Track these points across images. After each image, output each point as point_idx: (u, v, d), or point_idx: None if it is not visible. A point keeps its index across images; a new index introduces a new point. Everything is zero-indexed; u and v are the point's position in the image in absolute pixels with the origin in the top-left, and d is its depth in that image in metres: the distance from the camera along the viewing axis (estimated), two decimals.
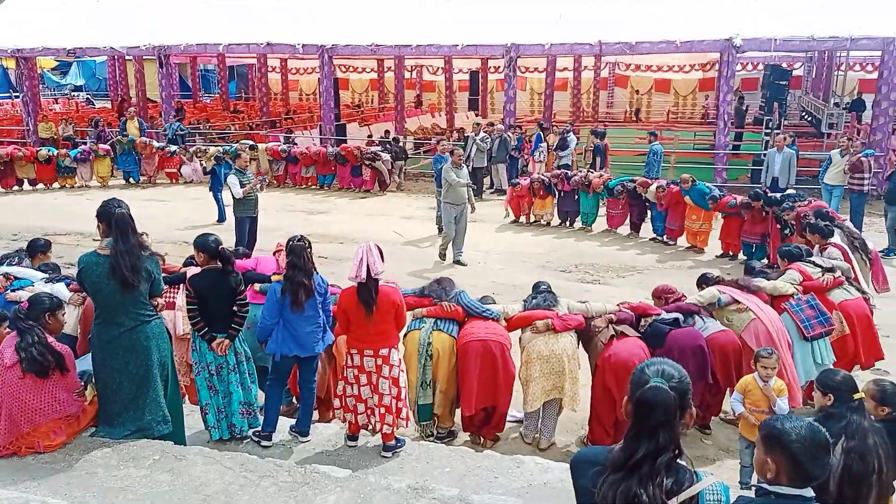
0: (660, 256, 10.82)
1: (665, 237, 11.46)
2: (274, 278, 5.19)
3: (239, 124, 23.40)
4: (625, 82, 30.47)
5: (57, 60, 35.47)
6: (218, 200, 12.87)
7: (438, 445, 4.93)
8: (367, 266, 4.47)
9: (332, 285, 5.10)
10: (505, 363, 5.20)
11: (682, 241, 11.26)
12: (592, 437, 5.35)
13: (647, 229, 11.82)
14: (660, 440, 2.01)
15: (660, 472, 1.98)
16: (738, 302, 5.72)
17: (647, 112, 29.48)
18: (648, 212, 11.75)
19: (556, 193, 12.55)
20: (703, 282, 6.24)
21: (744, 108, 22.19)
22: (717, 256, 10.62)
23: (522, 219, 13.00)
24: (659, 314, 5.52)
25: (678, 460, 2.04)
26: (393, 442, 4.68)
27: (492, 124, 17.00)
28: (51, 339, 4.26)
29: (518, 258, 10.58)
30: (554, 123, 19.91)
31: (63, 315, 4.54)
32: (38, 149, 16.37)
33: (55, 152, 16.28)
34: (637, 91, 30.24)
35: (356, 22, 19.81)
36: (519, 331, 5.52)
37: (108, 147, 16.67)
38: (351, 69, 33.79)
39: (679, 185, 10.99)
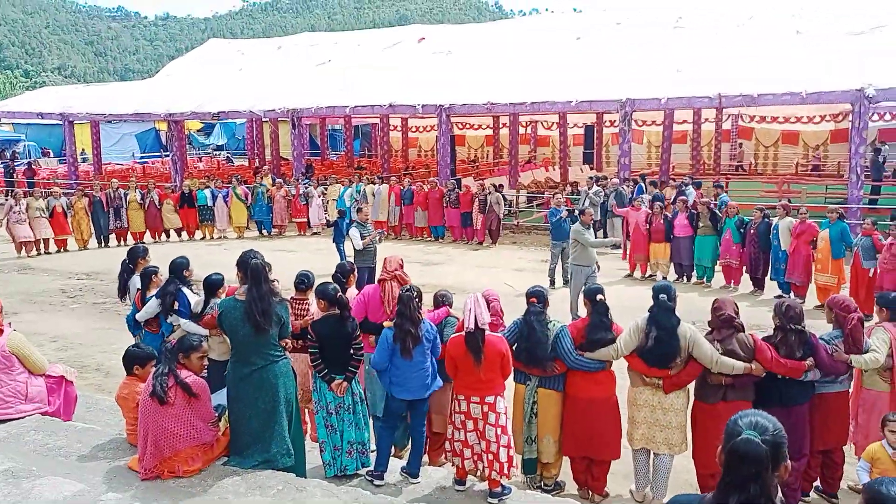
0: None
1: (790, 295, 10.88)
2: (386, 324, 5.51)
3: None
4: (749, 134, 29.52)
5: (202, 123, 39.03)
6: (340, 251, 13.62)
7: (546, 496, 4.97)
8: (475, 316, 4.70)
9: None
10: (611, 415, 5.22)
11: (813, 297, 10.57)
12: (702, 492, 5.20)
13: (770, 288, 11.31)
14: (750, 491, 2.04)
15: None
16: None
17: (773, 165, 28.33)
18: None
19: (672, 238, 12.24)
20: (886, 304, 5.46)
21: (881, 160, 20.86)
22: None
23: (637, 273, 12.84)
24: (799, 377, 4.91)
25: None
26: (500, 489, 4.78)
27: (605, 178, 17.02)
28: (185, 373, 4.71)
29: (629, 313, 10.38)
30: (672, 177, 19.61)
31: (199, 357, 4.93)
32: (182, 192, 17.89)
33: (195, 188, 17.76)
34: (762, 143, 29.18)
35: (472, 82, 20.64)
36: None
37: (247, 189, 18.06)
38: (467, 126, 34.90)
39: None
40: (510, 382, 5.17)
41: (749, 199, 19.67)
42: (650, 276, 12.66)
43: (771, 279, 11.32)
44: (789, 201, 17.47)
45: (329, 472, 4.99)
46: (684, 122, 27.17)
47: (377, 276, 11.06)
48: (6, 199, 16.73)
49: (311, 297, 6.24)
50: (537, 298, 5.29)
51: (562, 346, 5.17)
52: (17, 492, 4.15)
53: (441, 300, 5.81)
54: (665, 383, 5.08)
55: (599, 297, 5.34)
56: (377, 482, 4.94)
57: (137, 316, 6.37)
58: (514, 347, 5.18)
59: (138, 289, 6.61)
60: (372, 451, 5.14)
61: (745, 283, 11.74)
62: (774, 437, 2.11)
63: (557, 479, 5.48)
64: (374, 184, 17.96)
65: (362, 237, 11.01)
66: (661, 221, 12.34)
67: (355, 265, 11.04)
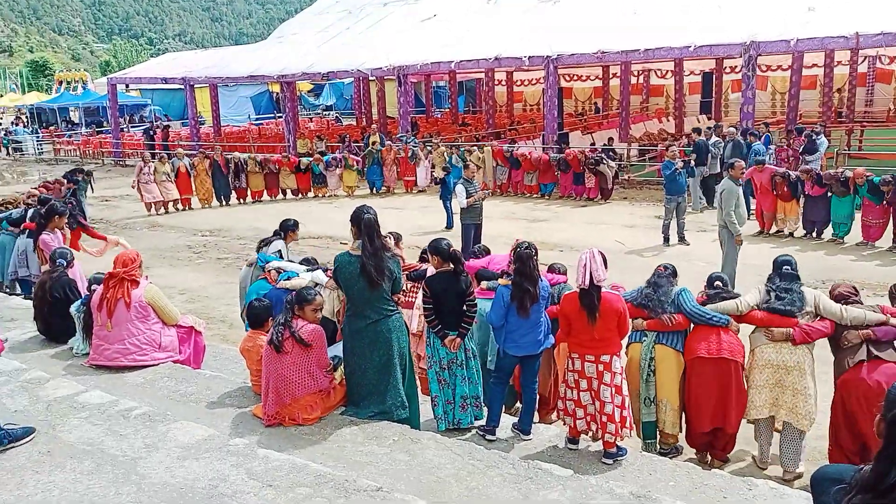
0: None
1: None
2: (501, 282, 5.43)
3: (466, 136, 24.54)
4: (889, 77, 26.91)
5: (312, 84, 40.01)
6: (447, 208, 13.66)
7: (663, 459, 4.80)
8: (591, 273, 4.52)
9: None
10: (738, 383, 4.94)
11: None
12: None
13: None
14: None
15: None
16: None
17: None
18: None
19: (803, 196, 11.44)
20: None
21: None
22: None
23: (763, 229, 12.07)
24: None
25: None
26: (614, 450, 4.65)
27: (718, 125, 16.02)
28: (300, 323, 4.84)
29: (752, 272, 9.81)
30: (799, 125, 18.22)
31: (312, 309, 5.05)
32: (299, 160, 18.59)
33: (310, 161, 18.42)
34: None
35: (581, 30, 19.81)
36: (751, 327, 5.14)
37: (360, 159, 18.43)
38: (574, 77, 33.82)
39: None
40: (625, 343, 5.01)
41: (890, 149, 18.05)
42: (777, 231, 11.88)
43: None
44: None
45: (441, 426, 5.04)
46: (814, 65, 25.09)
47: (482, 235, 11.16)
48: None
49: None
50: (665, 268, 5.38)
51: (683, 298, 5.08)
52: (153, 434, 4.45)
53: (557, 270, 5.88)
54: (796, 332, 4.78)
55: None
56: (489, 437, 4.94)
57: (280, 264, 6.44)
58: (633, 302, 5.10)
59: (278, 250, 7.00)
60: (485, 406, 5.14)
61: (887, 239, 10.79)
62: None
63: (676, 444, 5.29)
64: (480, 149, 17.67)
65: (468, 195, 10.95)
66: (786, 189, 11.48)
67: (461, 223, 11.20)
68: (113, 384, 5.50)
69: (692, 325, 5.15)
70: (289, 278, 6.02)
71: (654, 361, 5.08)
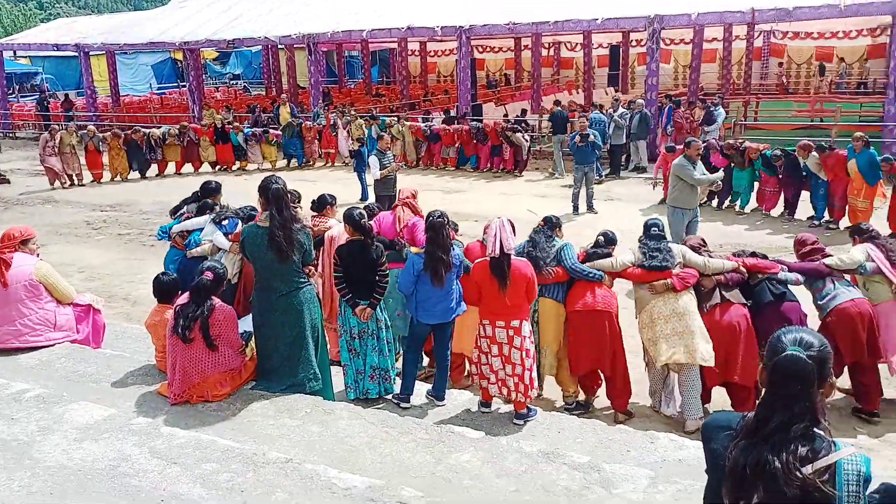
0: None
1: (824, 219, 10.61)
2: (413, 250, 5.43)
3: (380, 107, 24.26)
4: (781, 51, 28.36)
5: (217, 51, 38.36)
6: (362, 180, 13.50)
7: (570, 417, 4.98)
8: (500, 241, 4.59)
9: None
10: (612, 331, 5.28)
11: (845, 222, 10.33)
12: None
13: (802, 210, 11.04)
14: (795, 409, 1.95)
15: (794, 440, 1.94)
16: (882, 273, 5.36)
17: (804, 83, 27.30)
18: (807, 189, 10.85)
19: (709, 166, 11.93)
20: (857, 233, 5.89)
21: None
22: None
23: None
24: (776, 272, 5.29)
25: (816, 429, 1.98)
26: (525, 410, 4.79)
27: (633, 101, 16.50)
28: (216, 301, 4.70)
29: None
30: (701, 97, 18.99)
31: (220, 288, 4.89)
32: (217, 127, 17.58)
33: (223, 122, 17.62)
34: (794, 61, 28.06)
35: (493, 2, 19.86)
36: (631, 286, 5.54)
37: (279, 133, 17.79)
38: (487, 49, 33.91)
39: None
40: None
41: (782, 119, 19.08)
42: None
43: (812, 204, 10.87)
44: (821, 120, 16.97)
45: (350, 395, 5.03)
46: (714, 39, 26.12)
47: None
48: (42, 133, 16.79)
49: (332, 221, 6.25)
50: (545, 222, 5.67)
51: (565, 254, 5.40)
52: (48, 416, 4.22)
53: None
54: (675, 281, 5.17)
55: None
56: (403, 405, 4.97)
57: (178, 226, 6.16)
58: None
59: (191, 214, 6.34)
60: (396, 377, 5.15)
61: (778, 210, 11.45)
62: (820, 353, 2.00)
63: (578, 397, 5.49)
64: (397, 124, 17.42)
65: (382, 167, 10.86)
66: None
67: (376, 194, 11.09)
68: (4, 367, 5.18)
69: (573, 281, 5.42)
70: (198, 244, 5.81)
71: (537, 314, 5.35)
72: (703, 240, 5.72)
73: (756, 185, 11.62)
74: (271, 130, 17.93)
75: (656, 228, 5.57)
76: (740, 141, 11.76)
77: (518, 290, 4.72)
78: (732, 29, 24.41)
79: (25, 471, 3.66)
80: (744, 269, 5.30)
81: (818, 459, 1.91)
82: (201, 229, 5.94)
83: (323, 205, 6.48)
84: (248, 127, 18.14)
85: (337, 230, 5.92)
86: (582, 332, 5.26)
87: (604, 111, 15.56)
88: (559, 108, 16.11)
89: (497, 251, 4.61)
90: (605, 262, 5.43)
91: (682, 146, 9.09)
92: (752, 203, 11.71)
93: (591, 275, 5.35)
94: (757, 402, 2.07)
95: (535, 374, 4.84)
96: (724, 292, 5.26)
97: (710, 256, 5.42)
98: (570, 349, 5.35)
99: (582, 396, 5.55)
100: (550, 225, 5.64)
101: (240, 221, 5.93)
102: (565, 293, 5.40)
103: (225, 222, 5.86)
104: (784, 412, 1.96)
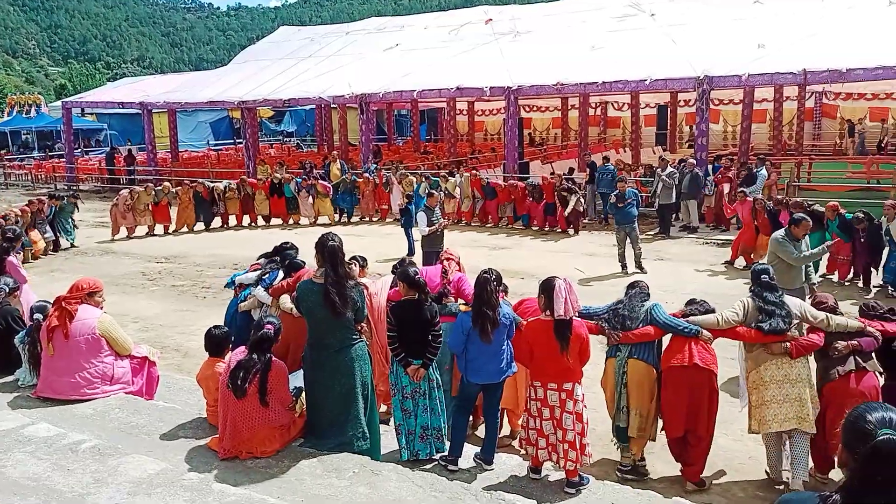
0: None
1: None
2: (462, 308, 5.41)
3: (428, 164, 24.65)
4: (833, 112, 28.02)
5: (273, 110, 39.80)
6: (408, 235, 13.63)
7: (624, 487, 4.79)
8: (570, 304, 4.56)
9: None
10: (711, 390, 5.06)
11: None
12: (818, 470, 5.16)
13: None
14: (892, 495, 1.85)
15: None
16: None
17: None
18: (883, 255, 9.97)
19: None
20: None
21: None
22: None
23: (739, 261, 11.90)
24: None
25: None
26: (577, 479, 4.64)
27: (683, 160, 16.41)
28: (273, 356, 4.73)
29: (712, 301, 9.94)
30: (751, 158, 18.78)
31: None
32: (271, 182, 18.35)
33: (280, 178, 18.33)
34: (848, 121, 27.66)
35: (540, 62, 20.19)
36: (742, 346, 5.31)
37: (330, 186, 18.23)
38: (533, 108, 34.37)
39: None
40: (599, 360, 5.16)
41: (836, 181, 18.69)
42: (746, 266, 12.05)
43: (884, 280, 10.14)
44: (878, 182, 16.41)
45: (403, 456, 4.95)
46: (763, 100, 25.99)
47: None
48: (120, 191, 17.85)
49: (366, 280, 6.24)
50: (632, 286, 5.56)
51: (656, 312, 5.22)
52: (103, 468, 4.26)
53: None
54: (793, 346, 4.94)
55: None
56: (451, 467, 4.87)
57: (238, 278, 6.54)
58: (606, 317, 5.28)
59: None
60: (447, 438, 5.07)
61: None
62: None
63: (637, 461, 5.30)
64: (454, 176, 17.67)
65: (430, 224, 10.98)
66: (766, 217, 11.50)
67: (423, 250, 11.19)
68: (61, 416, 5.28)
69: (670, 338, 5.25)
70: (245, 298, 5.93)
71: (626, 375, 5.18)
72: (836, 300, 5.36)
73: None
74: (319, 182, 18.35)
75: (766, 276, 5.20)
76: (809, 202, 11.16)
77: (573, 353, 4.65)
78: (783, 90, 24.25)
79: None
80: (873, 331, 4.94)
81: None
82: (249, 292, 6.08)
83: (293, 268, 6.07)
84: (298, 177, 18.66)
85: (374, 287, 5.94)
86: (681, 389, 5.02)
87: (629, 168, 15.90)
88: (608, 163, 16.45)
89: (565, 313, 4.56)
90: (710, 319, 5.15)
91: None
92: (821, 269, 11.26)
93: (686, 329, 5.11)
94: (840, 485, 1.97)
95: (586, 440, 4.70)
96: (860, 359, 4.91)
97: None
98: (666, 408, 5.12)
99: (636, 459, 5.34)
100: (640, 291, 5.46)
101: (280, 272, 6.05)
102: (657, 356, 5.22)
103: (266, 276, 5.98)
104: (879, 498, 1.85)
